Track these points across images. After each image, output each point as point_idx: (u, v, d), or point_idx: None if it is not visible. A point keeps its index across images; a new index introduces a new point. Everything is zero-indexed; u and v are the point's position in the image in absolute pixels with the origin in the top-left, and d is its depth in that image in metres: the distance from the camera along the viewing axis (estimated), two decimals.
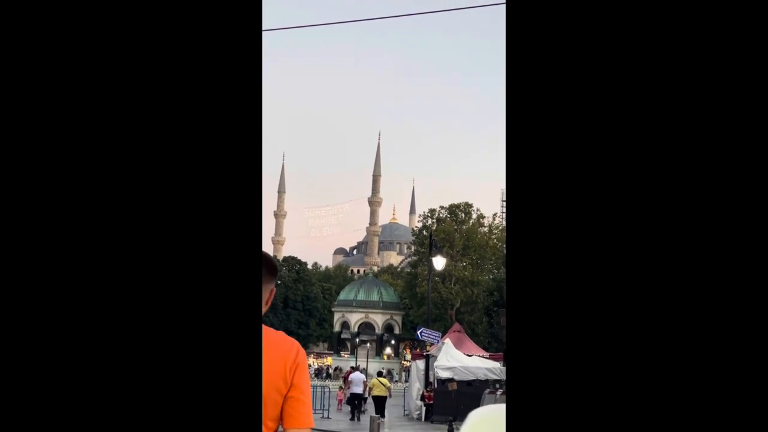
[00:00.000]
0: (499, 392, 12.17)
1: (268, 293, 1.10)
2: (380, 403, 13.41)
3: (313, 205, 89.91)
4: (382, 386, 13.75)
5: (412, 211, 75.49)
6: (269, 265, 1.12)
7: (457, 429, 8.89)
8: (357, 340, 35.99)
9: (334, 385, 20.03)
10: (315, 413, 4.84)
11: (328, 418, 13.94)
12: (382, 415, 12.43)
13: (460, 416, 9.76)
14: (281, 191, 75.95)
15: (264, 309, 1.05)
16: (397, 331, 36.47)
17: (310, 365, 28.44)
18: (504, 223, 28.59)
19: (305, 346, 24.61)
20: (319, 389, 14.90)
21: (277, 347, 1.04)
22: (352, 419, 14.24)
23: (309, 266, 45.99)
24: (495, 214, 34.47)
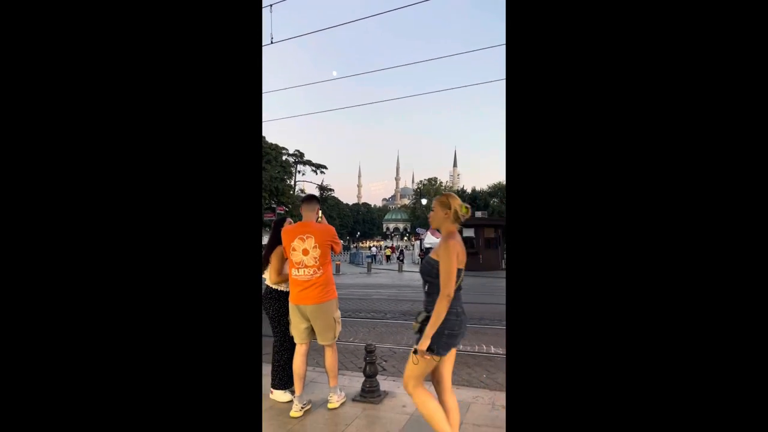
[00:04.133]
0: None
1: (316, 213, 2.37)
2: (401, 256, 34.17)
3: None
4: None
5: (413, 180, 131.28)
6: (310, 197, 2.43)
7: None
8: (393, 234, 73.16)
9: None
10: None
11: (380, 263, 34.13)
12: (403, 261, 31.10)
13: None
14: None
15: (319, 218, 2.42)
16: (409, 229, 76.75)
17: (375, 246, 55.18)
18: (448, 183, 76.70)
19: (371, 237, 69.90)
20: (376, 250, 35.72)
21: (327, 227, 2.49)
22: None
23: (372, 205, 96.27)
24: (446, 181, 76.93)
